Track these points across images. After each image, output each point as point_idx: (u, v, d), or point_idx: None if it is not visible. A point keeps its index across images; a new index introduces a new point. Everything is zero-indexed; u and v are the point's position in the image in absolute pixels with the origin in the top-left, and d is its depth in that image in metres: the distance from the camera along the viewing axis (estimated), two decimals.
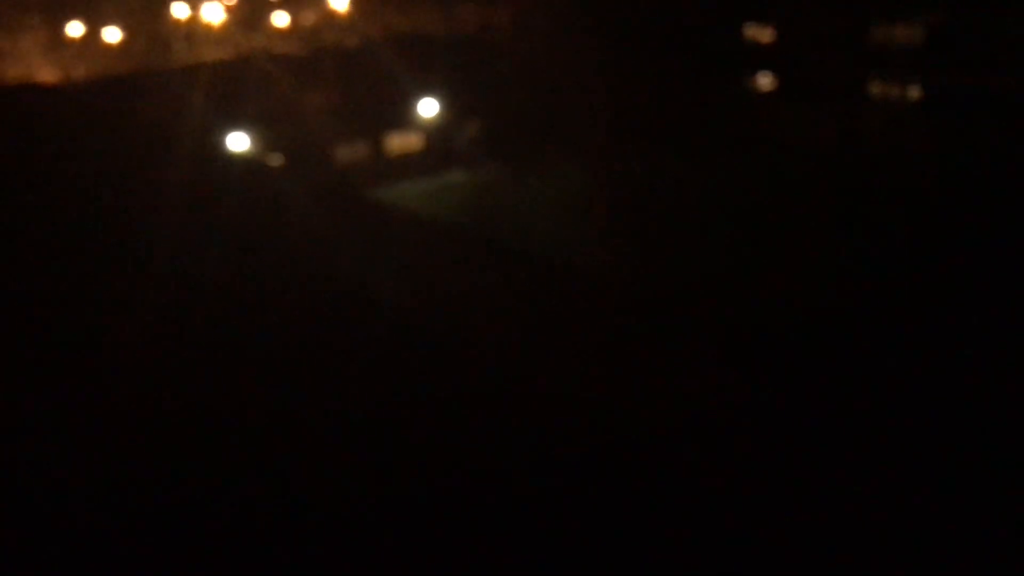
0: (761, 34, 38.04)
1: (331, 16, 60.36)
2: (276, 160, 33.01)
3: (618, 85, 30.64)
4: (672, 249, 23.42)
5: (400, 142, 35.70)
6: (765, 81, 36.27)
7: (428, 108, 35.96)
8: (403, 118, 36.02)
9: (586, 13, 32.56)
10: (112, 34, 55.96)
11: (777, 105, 34.85)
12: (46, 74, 49.19)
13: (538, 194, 29.67)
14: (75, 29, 55.72)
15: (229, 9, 61.32)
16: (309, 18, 62.15)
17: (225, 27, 60.33)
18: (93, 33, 55.72)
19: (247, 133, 33.13)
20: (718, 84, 32.35)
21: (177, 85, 35.48)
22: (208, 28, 59.58)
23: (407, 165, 34.44)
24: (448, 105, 36.18)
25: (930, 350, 13.86)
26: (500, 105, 34.76)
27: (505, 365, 12.39)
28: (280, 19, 61.79)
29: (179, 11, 59.25)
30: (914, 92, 32.59)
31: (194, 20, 59.81)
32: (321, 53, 44.69)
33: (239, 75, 38.41)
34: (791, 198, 26.77)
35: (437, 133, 36.29)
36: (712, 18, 33.61)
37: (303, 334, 12.30)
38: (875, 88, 33.19)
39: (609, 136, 28.80)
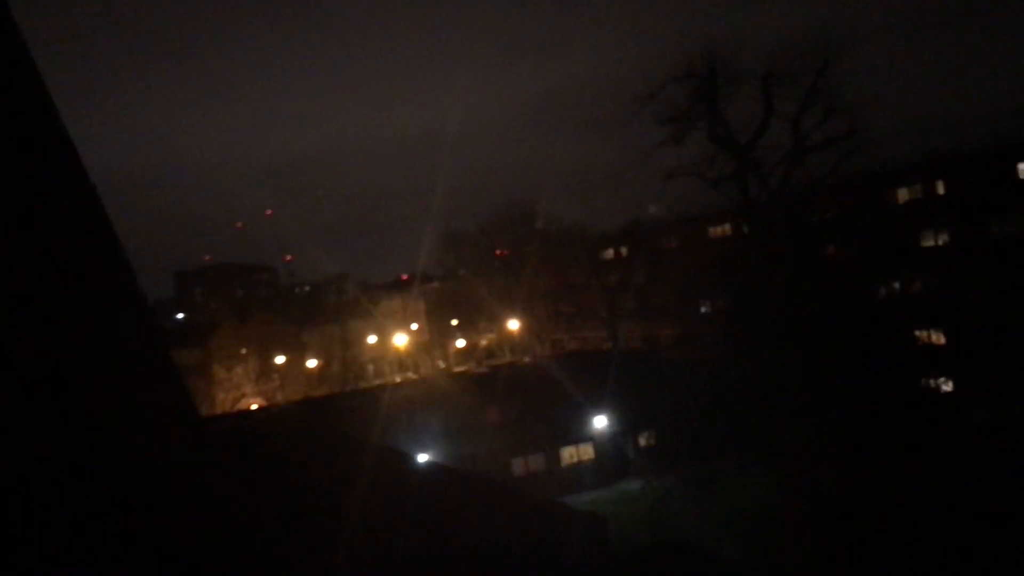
0: (935, 337, 37.73)
1: (505, 338, 64.90)
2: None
3: (790, 391, 30.56)
4: (868, 559, 21.82)
5: (574, 454, 36.43)
6: (943, 383, 35.30)
7: (599, 421, 36.96)
8: (576, 431, 37.03)
9: (752, 323, 33.55)
10: (311, 363, 62.35)
11: (958, 407, 33.53)
12: (254, 398, 54.73)
13: (716, 505, 28.92)
14: (279, 359, 62.57)
15: (414, 336, 67.36)
16: (485, 340, 67.03)
17: (410, 351, 65.97)
18: (296, 362, 62.29)
19: (430, 447, 34.93)
20: (895, 388, 31.63)
21: (367, 404, 38.43)
22: (397, 351, 65.36)
23: (581, 476, 34.80)
24: (619, 418, 37.04)
25: None
26: (671, 416, 35.25)
27: None
28: (459, 342, 67.04)
29: (371, 340, 65.77)
30: None
31: (383, 346, 66.00)
32: (497, 371, 47.60)
33: (423, 393, 41.31)
34: (991, 504, 24.78)
35: (609, 445, 36.85)
36: (884, 323, 33.72)
37: None
38: None
39: (787, 444, 28.23)
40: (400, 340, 65.21)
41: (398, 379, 58.18)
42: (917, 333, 36.79)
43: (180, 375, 4.62)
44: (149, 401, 4.08)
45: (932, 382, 34.97)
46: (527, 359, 55.53)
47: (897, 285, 40.36)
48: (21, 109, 3.80)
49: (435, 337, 70.34)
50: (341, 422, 33.33)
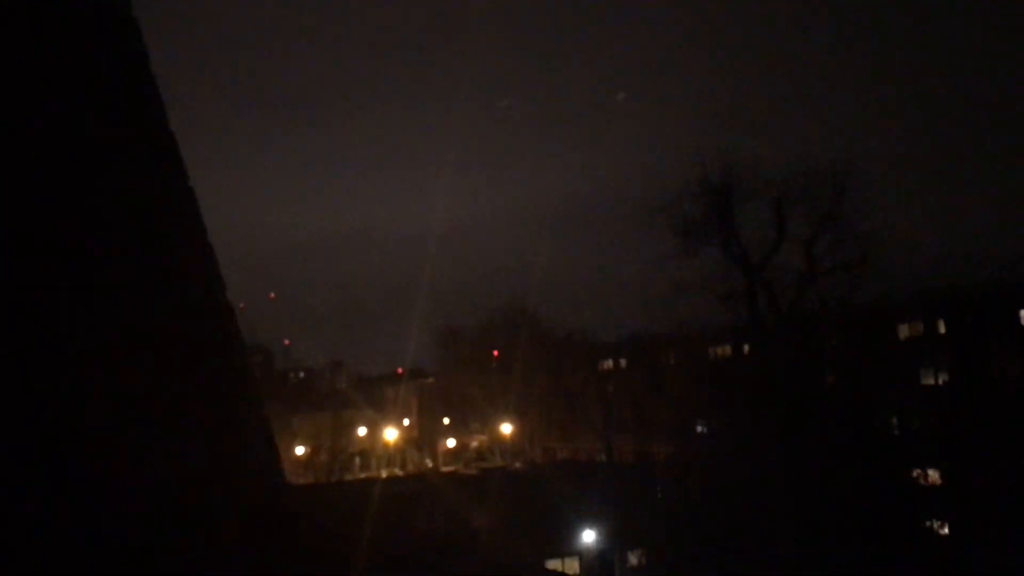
0: (932, 476, 37.32)
1: (496, 441, 64.10)
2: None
3: (786, 521, 30.07)
4: None
5: (559, 567, 35.46)
6: (939, 525, 34.78)
7: (588, 535, 36.11)
8: (564, 543, 36.16)
9: (748, 447, 33.28)
10: (299, 450, 61.37)
11: (955, 550, 32.94)
12: None
13: None
14: None
15: (404, 431, 66.58)
16: (476, 441, 66.20)
17: (400, 446, 65.06)
18: (285, 449, 61.26)
19: (410, 547, 34.01)
20: (892, 527, 31.12)
21: (352, 497, 37.70)
22: (386, 446, 64.45)
23: None
24: (609, 533, 36.25)
25: None
26: (664, 535, 34.55)
27: None
28: (450, 441, 66.18)
29: (361, 432, 64.98)
30: None
31: (373, 439, 65.14)
32: (486, 474, 46.82)
33: (409, 491, 40.57)
34: None
35: (597, 561, 35.96)
36: (882, 458, 33.41)
37: None
38: None
39: (783, 566, 27.61)
40: (390, 434, 64.38)
41: (384, 474, 57.21)
42: (915, 472, 36.44)
43: (261, 395, 4.62)
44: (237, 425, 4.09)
45: (929, 523, 34.45)
46: (518, 464, 54.69)
47: (895, 420, 40.24)
48: (135, 113, 3.92)
49: (425, 434, 69.46)
50: (327, 512, 32.56)
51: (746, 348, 40.46)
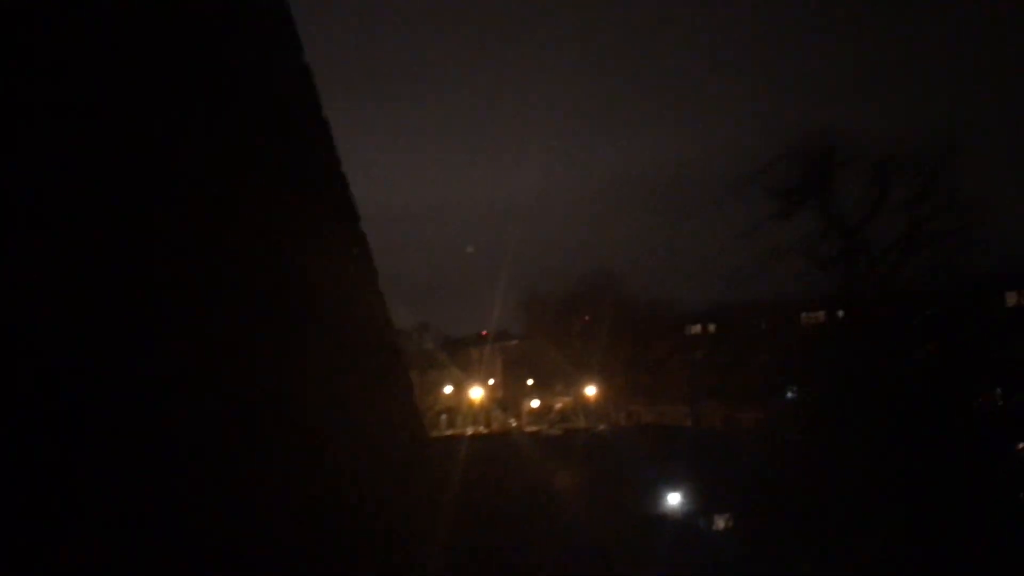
0: None
1: (581, 403, 64.28)
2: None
3: (880, 496, 29.28)
4: None
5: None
6: None
7: (673, 498, 35.96)
8: (648, 506, 36.10)
9: (843, 416, 32.41)
10: None
11: None
12: None
13: None
14: None
15: (489, 391, 67.36)
16: (560, 402, 66.53)
17: (484, 405, 65.93)
18: None
19: (497, 505, 34.50)
20: (997, 501, 29.98)
21: (441, 453, 38.40)
22: (471, 405, 65.43)
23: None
24: (695, 497, 36.04)
25: None
26: (752, 502, 34.16)
27: None
28: (534, 402, 66.69)
29: (447, 390, 66.08)
30: None
31: (459, 398, 66.15)
32: (570, 434, 47.02)
33: (495, 448, 41.14)
34: None
35: (682, 523, 35.81)
36: (986, 431, 32.13)
37: None
38: None
39: (869, 532, 26.96)
40: (476, 393, 65.28)
41: (469, 431, 58.08)
42: (1021, 445, 35.00)
43: (411, 383, 4.86)
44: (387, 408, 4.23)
45: None
46: (602, 426, 54.72)
47: (999, 391, 38.58)
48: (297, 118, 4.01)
49: (509, 394, 70.16)
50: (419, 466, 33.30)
51: (841, 314, 39.23)
